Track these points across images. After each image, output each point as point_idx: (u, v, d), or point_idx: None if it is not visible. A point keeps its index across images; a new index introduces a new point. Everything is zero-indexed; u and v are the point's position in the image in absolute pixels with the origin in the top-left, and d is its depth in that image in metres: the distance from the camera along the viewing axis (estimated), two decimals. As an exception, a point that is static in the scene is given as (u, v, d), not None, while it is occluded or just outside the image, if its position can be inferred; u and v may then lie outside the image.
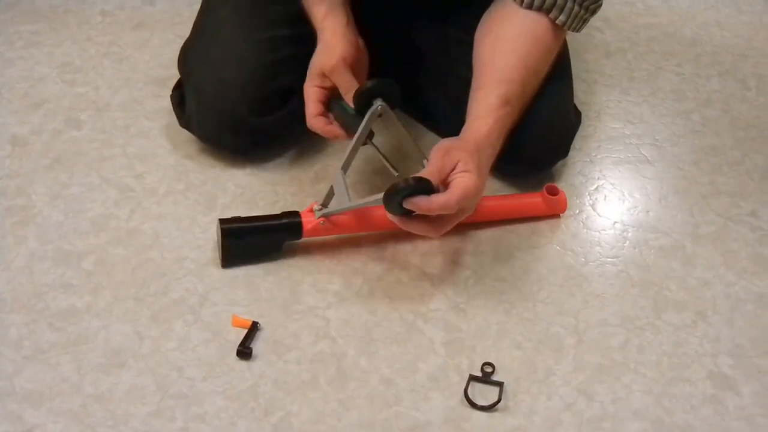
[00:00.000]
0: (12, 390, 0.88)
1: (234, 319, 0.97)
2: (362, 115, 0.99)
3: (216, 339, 0.95)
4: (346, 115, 1.03)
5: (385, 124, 1.01)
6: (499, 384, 0.93)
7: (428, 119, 1.25)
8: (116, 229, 1.08)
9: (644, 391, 0.94)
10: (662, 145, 1.30)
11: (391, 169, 0.93)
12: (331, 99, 1.06)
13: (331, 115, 1.07)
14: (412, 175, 0.89)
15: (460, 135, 0.99)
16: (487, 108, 0.99)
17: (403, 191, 0.89)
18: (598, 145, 1.29)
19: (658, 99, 1.40)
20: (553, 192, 1.13)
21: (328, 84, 1.05)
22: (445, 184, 0.92)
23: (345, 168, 1.03)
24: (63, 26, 1.42)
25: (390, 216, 0.93)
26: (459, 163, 0.92)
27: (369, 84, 0.98)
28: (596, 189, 1.21)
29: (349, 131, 1.03)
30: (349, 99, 1.01)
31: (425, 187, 0.89)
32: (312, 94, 1.05)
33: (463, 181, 0.91)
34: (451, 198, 0.90)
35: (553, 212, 1.15)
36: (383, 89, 0.98)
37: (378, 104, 0.98)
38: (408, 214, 0.92)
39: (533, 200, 1.14)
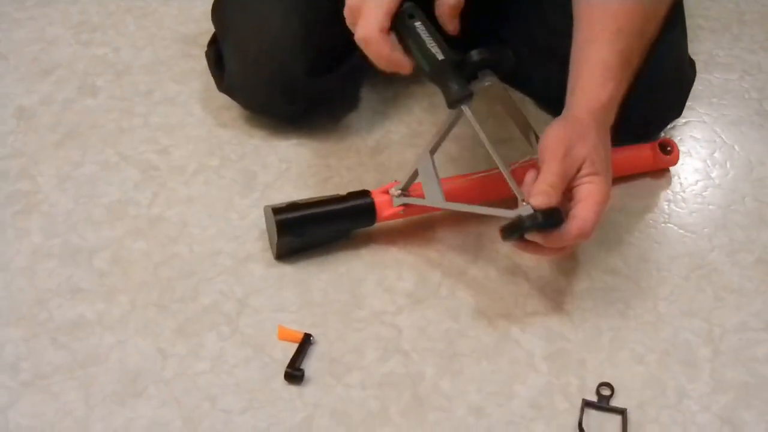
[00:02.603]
0: (5, 427, 0.76)
1: (281, 331, 0.85)
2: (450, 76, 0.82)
3: (258, 357, 0.83)
4: (421, 45, 0.83)
5: (491, 98, 0.87)
6: (621, 411, 0.79)
7: (511, 77, 1.08)
8: (136, 217, 0.97)
9: (810, 417, 0.79)
10: (793, 98, 1.17)
11: (515, 190, 0.80)
12: (400, 16, 0.85)
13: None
14: (534, 204, 0.78)
15: (569, 109, 0.83)
16: (605, 68, 0.83)
17: (529, 229, 0.79)
18: (710, 101, 1.18)
19: (780, 44, 1.28)
20: (668, 148, 1.03)
21: None
22: (568, 191, 0.80)
23: (433, 151, 0.89)
24: (79, -21, 1.35)
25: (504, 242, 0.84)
26: (585, 163, 0.80)
27: (476, 55, 0.82)
28: (714, 154, 1.08)
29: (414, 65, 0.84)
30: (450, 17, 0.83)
31: (555, 220, 0.79)
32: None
33: (595, 195, 0.79)
34: (586, 224, 0.79)
35: (662, 167, 1.05)
36: (493, 59, 0.83)
37: (488, 80, 0.84)
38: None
39: (641, 154, 1.03)
